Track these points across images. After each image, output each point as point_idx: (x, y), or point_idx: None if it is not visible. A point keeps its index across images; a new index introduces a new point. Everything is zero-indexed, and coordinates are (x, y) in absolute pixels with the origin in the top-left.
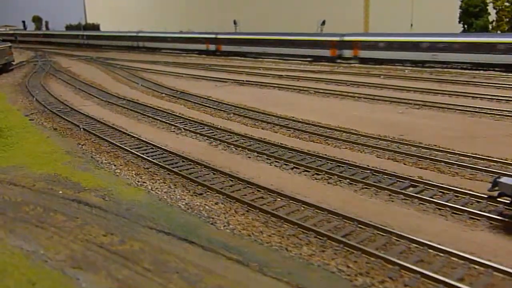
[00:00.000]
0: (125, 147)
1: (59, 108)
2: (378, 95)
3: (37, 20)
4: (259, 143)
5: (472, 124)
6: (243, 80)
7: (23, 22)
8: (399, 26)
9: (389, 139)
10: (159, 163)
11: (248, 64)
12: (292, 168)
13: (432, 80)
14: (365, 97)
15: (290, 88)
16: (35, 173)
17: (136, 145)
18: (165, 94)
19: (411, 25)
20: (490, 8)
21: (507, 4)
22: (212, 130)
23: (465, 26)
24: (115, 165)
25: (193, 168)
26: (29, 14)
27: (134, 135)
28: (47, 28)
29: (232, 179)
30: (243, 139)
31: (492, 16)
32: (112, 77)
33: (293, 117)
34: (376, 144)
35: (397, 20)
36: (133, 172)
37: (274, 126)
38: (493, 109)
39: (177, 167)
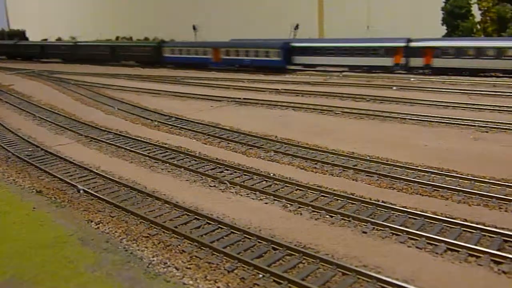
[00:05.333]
0: (167, 225)
1: (28, 151)
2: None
3: None
4: (352, 203)
5: None
6: (240, 98)
7: None
8: (356, 30)
9: None
10: (246, 260)
11: (220, 76)
12: (469, 258)
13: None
14: (385, 115)
15: (305, 107)
16: None
17: (179, 217)
18: (158, 121)
19: (367, 27)
20: (474, 9)
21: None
22: (267, 181)
23: (449, 28)
24: (176, 268)
25: (302, 265)
26: None
27: (164, 198)
28: None
29: None
30: (324, 196)
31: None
32: (74, 97)
33: (370, 156)
34: None
35: (355, 24)
36: (219, 284)
37: (346, 170)
38: None
39: (276, 264)
